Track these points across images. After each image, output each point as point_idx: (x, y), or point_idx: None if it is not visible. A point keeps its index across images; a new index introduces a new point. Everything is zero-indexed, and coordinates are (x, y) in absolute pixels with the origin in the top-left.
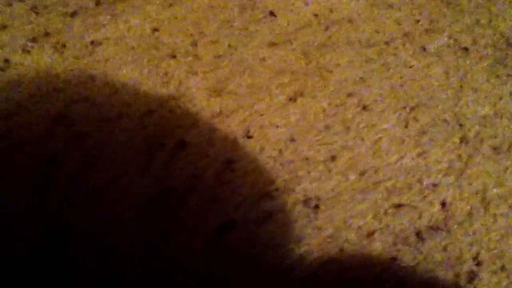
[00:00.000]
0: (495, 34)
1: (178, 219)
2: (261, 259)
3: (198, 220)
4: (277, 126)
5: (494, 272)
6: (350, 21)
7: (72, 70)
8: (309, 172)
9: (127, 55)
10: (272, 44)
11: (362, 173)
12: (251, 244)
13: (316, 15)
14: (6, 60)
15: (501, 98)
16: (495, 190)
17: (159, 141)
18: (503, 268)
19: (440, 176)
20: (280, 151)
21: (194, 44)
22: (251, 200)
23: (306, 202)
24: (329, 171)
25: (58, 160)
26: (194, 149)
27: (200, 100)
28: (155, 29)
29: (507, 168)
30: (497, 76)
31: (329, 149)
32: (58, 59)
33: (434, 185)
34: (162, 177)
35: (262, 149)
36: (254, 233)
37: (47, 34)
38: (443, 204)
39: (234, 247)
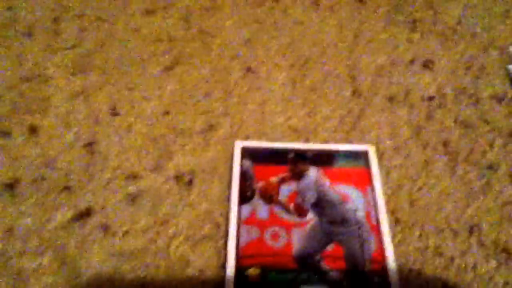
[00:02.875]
0: None
1: (27, 211)
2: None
3: (50, 210)
4: (149, 100)
5: None
6: None
7: None
8: (183, 146)
9: None
10: (148, 12)
11: (245, 138)
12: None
13: None
14: None
15: (397, 46)
16: (388, 142)
17: (4, 129)
18: None
19: (329, 133)
20: (151, 126)
21: (56, 20)
22: (113, 184)
23: (178, 178)
24: (206, 142)
25: None
26: (47, 134)
27: (58, 80)
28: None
29: (401, 117)
30: (394, 24)
31: (208, 118)
32: None
33: (324, 142)
34: (8, 168)
35: (130, 126)
36: (115, 217)
37: None
38: None
39: (91, 233)
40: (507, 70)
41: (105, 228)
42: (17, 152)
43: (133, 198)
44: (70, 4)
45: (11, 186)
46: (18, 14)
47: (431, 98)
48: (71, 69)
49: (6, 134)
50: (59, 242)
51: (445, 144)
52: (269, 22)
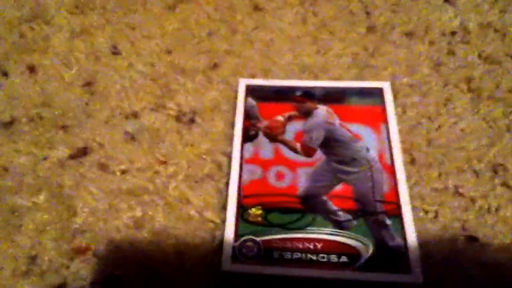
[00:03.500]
0: None
1: (24, 149)
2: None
3: (46, 148)
4: (151, 39)
5: None
6: None
7: None
8: (185, 85)
9: None
10: None
11: (251, 77)
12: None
13: None
14: None
15: None
16: (405, 79)
17: (3, 69)
18: None
19: (341, 71)
20: (152, 65)
21: None
22: (112, 123)
23: (179, 117)
24: (209, 81)
25: None
26: (46, 73)
27: (59, 20)
28: None
29: (420, 53)
30: None
31: (211, 58)
32: None
33: (336, 79)
34: (5, 107)
35: (131, 65)
36: (113, 156)
37: None
38: None
39: (88, 171)
40: None
41: (103, 167)
42: (15, 91)
43: (132, 137)
44: None
45: (8, 124)
46: None
47: (453, 33)
48: (72, 9)
49: (5, 73)
50: (55, 180)
51: (468, 80)
52: None
